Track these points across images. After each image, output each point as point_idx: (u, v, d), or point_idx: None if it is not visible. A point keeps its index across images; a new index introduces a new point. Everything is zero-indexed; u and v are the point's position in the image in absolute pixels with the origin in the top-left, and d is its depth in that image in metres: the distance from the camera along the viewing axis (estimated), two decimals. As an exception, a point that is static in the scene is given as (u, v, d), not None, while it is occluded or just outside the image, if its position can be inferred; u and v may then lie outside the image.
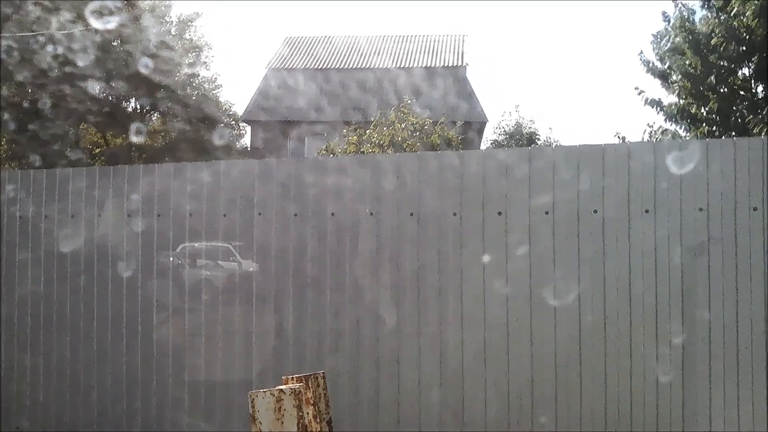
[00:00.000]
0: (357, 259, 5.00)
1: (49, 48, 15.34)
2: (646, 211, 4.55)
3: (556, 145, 22.80)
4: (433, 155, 5.30)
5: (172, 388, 5.25)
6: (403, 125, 15.60)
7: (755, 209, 4.41)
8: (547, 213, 4.69)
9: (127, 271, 5.33)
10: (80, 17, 15.31)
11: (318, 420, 3.53)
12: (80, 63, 15.63)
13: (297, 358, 5.03)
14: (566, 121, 52.12)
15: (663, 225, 4.52)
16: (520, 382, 4.70)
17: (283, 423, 3.26)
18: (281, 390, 3.33)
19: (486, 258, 4.79)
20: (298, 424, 3.25)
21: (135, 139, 21.62)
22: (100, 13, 15.19)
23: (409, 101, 17.62)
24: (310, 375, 3.70)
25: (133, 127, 21.48)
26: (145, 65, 19.12)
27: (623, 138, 12.37)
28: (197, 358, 5.24)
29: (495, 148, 23.84)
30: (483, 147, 25.44)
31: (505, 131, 28.85)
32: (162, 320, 5.32)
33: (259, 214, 5.15)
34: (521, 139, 27.83)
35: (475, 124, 24.37)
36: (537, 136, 27.85)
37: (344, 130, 17.09)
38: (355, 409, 4.93)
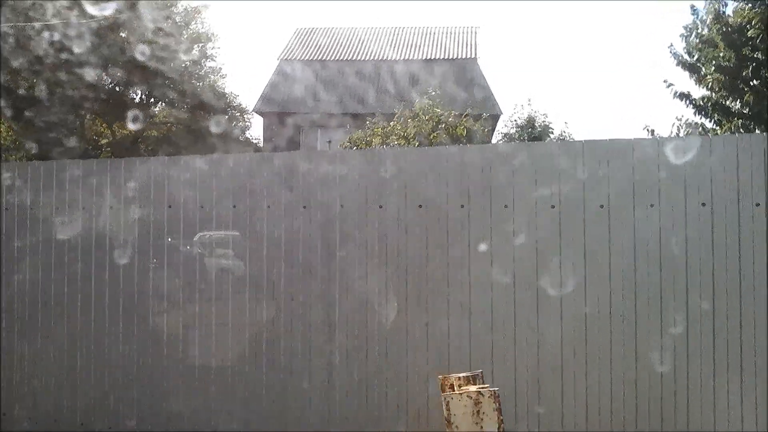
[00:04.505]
0: (362, 251, 4.92)
1: (46, 34, 14.94)
2: (651, 205, 4.54)
3: (560, 139, 22.41)
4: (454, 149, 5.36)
5: (171, 375, 5.22)
6: (427, 117, 15.17)
7: (758, 204, 4.44)
8: (553, 207, 4.66)
9: (123, 259, 5.32)
10: (81, 3, 14.87)
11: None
12: (77, 50, 15.21)
13: (299, 349, 4.99)
14: (589, 115, 50.91)
15: (667, 219, 4.51)
16: (525, 374, 4.64)
17: (482, 426, 3.22)
18: (479, 392, 3.29)
19: (486, 248, 4.75)
20: (498, 427, 3.20)
21: (136, 126, 21.21)
22: None
23: (433, 93, 17.12)
24: (470, 375, 3.74)
25: (138, 116, 21.05)
26: (147, 53, 18.56)
27: (652, 131, 11.95)
28: (203, 346, 5.17)
29: (506, 141, 23.43)
30: (495, 140, 25.00)
31: (517, 124, 28.24)
32: (162, 309, 5.30)
33: (269, 207, 5.10)
34: (533, 132, 27.18)
35: (489, 117, 23.86)
36: (551, 130, 27.14)
37: (367, 121, 16.74)
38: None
